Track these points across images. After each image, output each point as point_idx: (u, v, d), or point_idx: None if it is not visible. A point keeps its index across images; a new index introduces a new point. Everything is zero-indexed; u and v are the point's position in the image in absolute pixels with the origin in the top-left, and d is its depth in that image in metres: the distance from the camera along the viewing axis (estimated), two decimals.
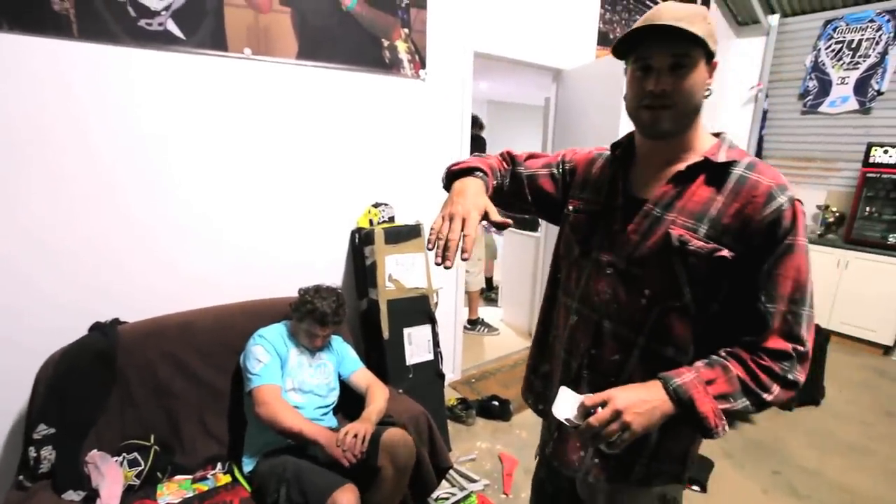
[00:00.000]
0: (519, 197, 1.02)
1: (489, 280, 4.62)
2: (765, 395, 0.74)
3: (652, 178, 0.85)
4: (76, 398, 1.48)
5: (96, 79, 1.57)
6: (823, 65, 4.07)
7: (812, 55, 4.12)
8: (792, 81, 4.28)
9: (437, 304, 2.29)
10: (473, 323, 3.71)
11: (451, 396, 2.60)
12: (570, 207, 0.96)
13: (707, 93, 0.79)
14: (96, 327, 1.62)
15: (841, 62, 3.96)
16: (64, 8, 1.48)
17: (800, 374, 0.75)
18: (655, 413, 0.72)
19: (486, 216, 0.78)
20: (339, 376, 1.76)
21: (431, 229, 0.76)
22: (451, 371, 2.88)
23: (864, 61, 3.83)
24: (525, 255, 3.61)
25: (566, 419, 0.75)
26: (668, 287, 0.80)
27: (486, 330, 3.70)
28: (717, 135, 0.85)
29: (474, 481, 2.04)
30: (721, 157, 0.79)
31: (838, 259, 3.72)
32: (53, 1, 1.46)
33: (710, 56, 0.77)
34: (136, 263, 1.74)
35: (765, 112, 4.41)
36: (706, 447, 2.34)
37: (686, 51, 0.74)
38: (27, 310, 1.56)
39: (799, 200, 0.76)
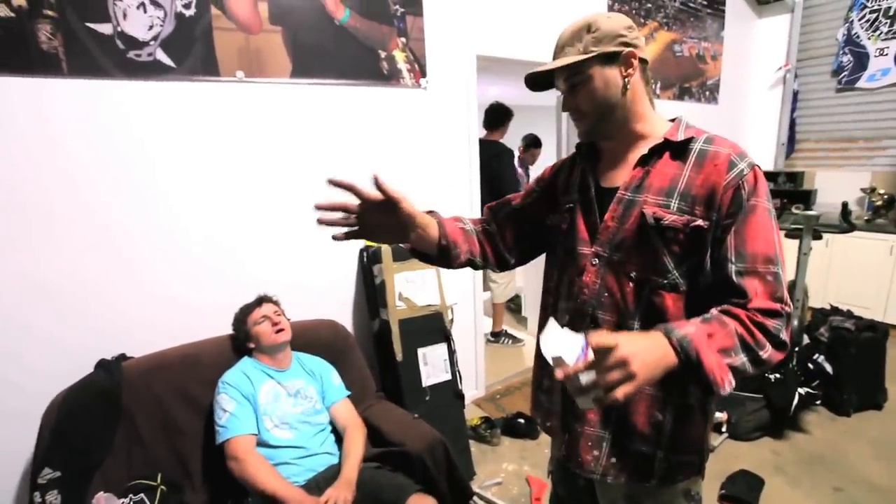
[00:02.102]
0: (523, 236, 1.07)
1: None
2: (760, 352, 0.73)
3: (618, 167, 0.90)
4: (81, 439, 1.45)
5: (88, 115, 1.55)
6: (858, 37, 3.78)
7: (844, 28, 3.84)
8: (823, 58, 4.00)
9: (452, 320, 2.19)
10: (497, 335, 3.59)
11: (474, 416, 2.48)
12: (550, 215, 1.01)
13: (627, 79, 0.83)
14: (101, 365, 1.59)
15: (878, 32, 3.67)
16: (52, 46, 1.47)
17: (786, 336, 0.75)
18: (660, 365, 0.68)
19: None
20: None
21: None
22: (475, 387, 2.76)
23: None
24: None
25: (554, 357, 0.67)
26: (652, 266, 0.82)
27: (510, 341, 3.57)
28: (673, 120, 0.90)
29: None
30: (680, 136, 0.84)
31: (891, 245, 3.41)
32: (41, 40, 1.45)
33: (609, 57, 0.82)
34: (138, 298, 1.71)
35: (795, 93, 4.14)
36: (752, 461, 2.14)
37: (573, 73, 0.84)
38: (28, 352, 1.55)
39: (758, 166, 0.80)
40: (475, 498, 1.91)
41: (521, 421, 2.43)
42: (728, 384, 0.70)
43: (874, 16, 3.68)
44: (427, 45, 2.24)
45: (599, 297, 0.87)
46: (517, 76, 4.04)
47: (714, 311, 0.76)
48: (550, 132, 3.55)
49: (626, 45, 0.82)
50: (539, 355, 1.01)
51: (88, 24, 1.51)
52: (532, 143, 4.35)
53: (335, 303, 2.16)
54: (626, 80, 0.83)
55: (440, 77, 2.32)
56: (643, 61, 0.85)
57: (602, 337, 0.65)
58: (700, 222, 0.78)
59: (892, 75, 3.64)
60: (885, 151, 3.77)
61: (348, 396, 1.72)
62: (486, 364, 2.85)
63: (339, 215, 0.84)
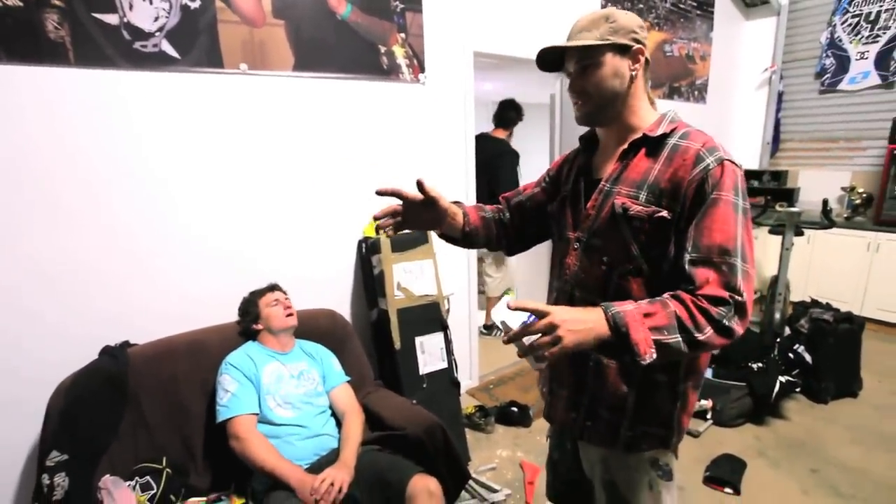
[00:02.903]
0: (529, 222, 1.17)
1: None
2: (697, 335, 0.77)
3: (607, 159, 0.97)
4: (88, 423, 1.47)
5: (93, 104, 1.57)
6: (840, 41, 3.91)
7: (827, 31, 3.96)
8: (807, 60, 4.12)
9: (448, 310, 2.25)
10: (489, 328, 3.65)
11: (468, 404, 2.55)
12: (552, 203, 1.10)
13: (633, 73, 0.89)
14: (106, 351, 1.62)
15: (859, 36, 3.80)
16: (60, 36, 1.49)
17: (736, 325, 0.78)
18: (590, 333, 0.75)
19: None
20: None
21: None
22: (469, 377, 2.83)
23: (884, 34, 3.66)
24: (539, 257, 3.54)
25: (502, 321, 0.80)
26: (621, 252, 0.89)
27: (501, 333, 3.62)
28: (665, 112, 0.95)
29: (495, 491, 1.98)
30: (659, 131, 0.89)
31: (868, 242, 3.55)
32: (49, 30, 1.47)
33: (622, 48, 0.87)
34: (142, 287, 1.74)
35: (780, 94, 4.26)
36: (735, 446, 2.24)
37: (587, 55, 0.88)
38: (36, 340, 1.57)
39: (731, 161, 0.83)
40: (471, 482, 1.98)
41: (515, 409, 2.50)
42: (649, 356, 0.75)
43: (856, 20, 3.81)
44: (426, 41, 2.28)
45: (578, 277, 0.96)
46: (512, 72, 4.07)
47: (666, 295, 0.80)
48: (543, 129, 3.61)
49: (637, 41, 0.88)
50: None
51: (95, 15, 1.52)
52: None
53: (334, 293, 2.21)
54: (633, 73, 0.89)
55: (438, 72, 2.36)
56: (647, 61, 0.91)
57: (538, 304, 0.75)
58: (664, 213, 0.84)
59: (872, 78, 3.77)
60: (864, 152, 3.90)
61: (348, 382, 1.77)
62: (480, 355, 2.92)
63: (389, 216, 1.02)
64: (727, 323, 0.77)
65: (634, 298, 0.84)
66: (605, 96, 0.90)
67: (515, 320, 0.78)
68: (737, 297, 0.78)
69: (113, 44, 1.57)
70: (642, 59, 0.89)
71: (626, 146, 0.91)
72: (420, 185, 0.98)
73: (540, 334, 0.74)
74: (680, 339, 0.77)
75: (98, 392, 1.51)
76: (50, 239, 1.56)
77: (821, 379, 2.62)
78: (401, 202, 1.00)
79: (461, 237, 1.12)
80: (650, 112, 0.94)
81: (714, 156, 0.82)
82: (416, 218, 1.03)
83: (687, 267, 0.81)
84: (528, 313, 0.77)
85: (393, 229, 1.02)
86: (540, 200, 1.15)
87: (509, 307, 0.76)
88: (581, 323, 0.75)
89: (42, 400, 1.45)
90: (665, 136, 0.89)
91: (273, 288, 1.76)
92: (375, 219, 1.01)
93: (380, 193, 0.96)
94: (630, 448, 0.96)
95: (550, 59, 0.94)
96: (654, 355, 0.75)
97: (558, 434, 1.20)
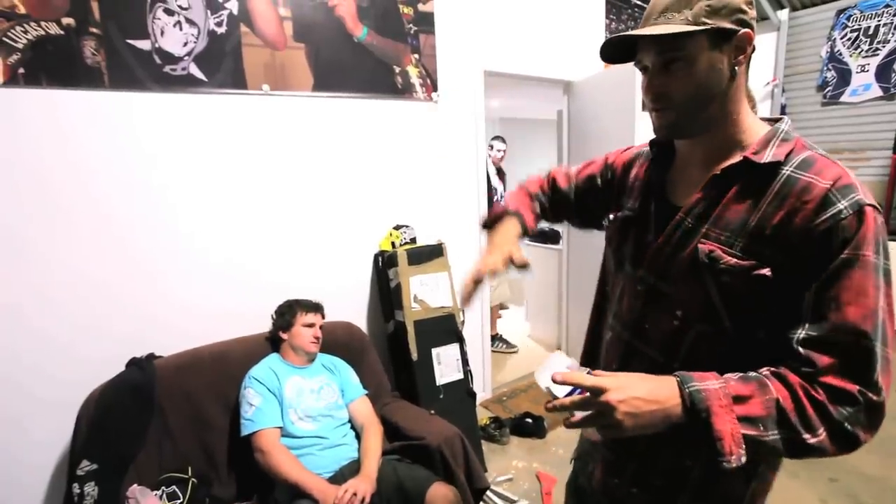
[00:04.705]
0: (568, 212, 1.02)
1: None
2: (806, 436, 0.57)
3: (689, 181, 0.73)
4: (116, 433, 1.51)
5: (126, 125, 1.65)
6: (840, 54, 3.98)
7: (827, 46, 4.04)
8: (808, 74, 4.19)
9: (463, 322, 2.28)
10: (492, 339, 3.66)
11: (483, 416, 2.56)
12: (610, 216, 0.91)
13: (735, 68, 0.65)
14: (133, 363, 1.66)
15: (859, 50, 3.87)
16: (96, 61, 1.57)
17: (862, 432, 0.58)
18: (656, 416, 0.59)
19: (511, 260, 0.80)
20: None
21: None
22: (482, 389, 2.84)
23: (884, 47, 3.74)
24: (548, 269, 3.58)
25: (546, 387, 0.66)
26: (701, 309, 0.68)
27: (503, 346, 3.62)
28: (775, 121, 0.71)
29: (513, 502, 1.99)
30: (766, 157, 0.65)
31: None
32: (86, 55, 1.55)
33: (723, 34, 0.63)
34: (165, 304, 1.79)
35: (783, 107, 4.32)
36: None
37: (674, 46, 0.64)
38: (71, 343, 1.61)
39: (873, 207, 0.59)
40: (488, 492, 1.98)
41: (529, 420, 2.50)
42: (736, 458, 0.56)
43: (855, 35, 3.89)
44: (438, 61, 2.37)
45: (639, 327, 0.77)
46: (518, 89, 4.15)
47: (765, 370, 0.62)
48: (550, 146, 3.68)
49: (744, 23, 0.64)
50: (586, 353, 1.00)
51: (129, 41, 1.61)
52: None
53: (351, 306, 2.25)
54: (734, 68, 0.65)
55: (450, 91, 2.44)
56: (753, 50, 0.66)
57: (591, 378, 0.60)
58: (765, 271, 0.62)
59: (873, 90, 3.83)
60: (868, 162, 3.94)
61: (366, 395, 1.80)
62: (493, 367, 2.94)
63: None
64: (850, 428, 0.57)
65: (716, 368, 0.63)
66: (697, 101, 0.66)
67: (560, 386, 0.63)
68: (870, 395, 0.57)
69: (145, 68, 1.65)
70: (749, 49, 0.65)
71: (717, 171, 0.68)
72: (519, 263, 0.80)
73: (590, 413, 0.60)
74: (779, 437, 0.58)
75: (126, 402, 1.55)
76: (92, 248, 1.63)
77: None
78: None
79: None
80: (754, 122, 0.70)
81: (849, 199, 0.59)
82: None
83: (801, 348, 0.60)
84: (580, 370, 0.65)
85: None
86: (590, 199, 0.98)
87: (555, 380, 0.62)
88: (645, 404, 0.58)
89: (60, 415, 1.50)
90: (777, 165, 0.64)
91: (317, 309, 1.78)
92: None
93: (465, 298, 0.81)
94: None
95: (620, 49, 0.71)
96: (743, 458, 0.56)
97: (586, 457, 0.97)
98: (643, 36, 0.64)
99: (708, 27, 0.62)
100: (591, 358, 0.98)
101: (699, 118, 0.68)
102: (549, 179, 1.03)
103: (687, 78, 0.65)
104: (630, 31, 0.66)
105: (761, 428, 0.58)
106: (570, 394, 0.64)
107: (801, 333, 0.60)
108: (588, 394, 0.60)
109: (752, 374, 0.61)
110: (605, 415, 0.58)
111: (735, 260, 0.64)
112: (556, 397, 0.63)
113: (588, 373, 0.63)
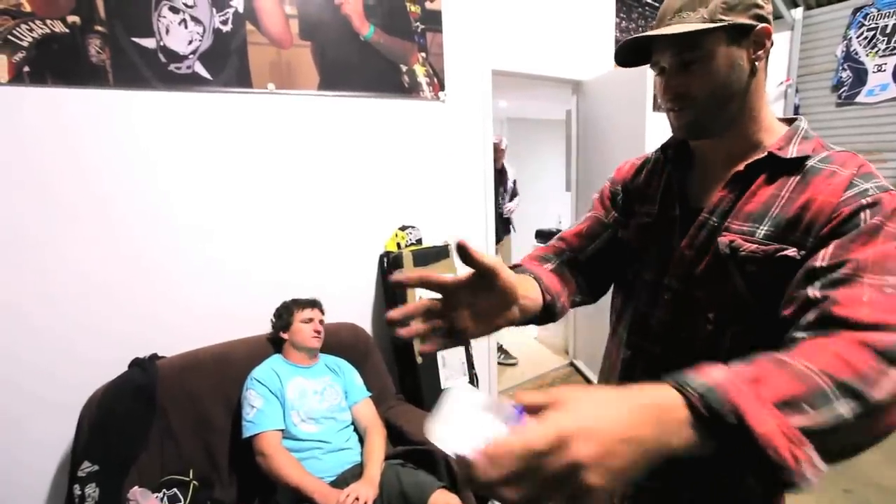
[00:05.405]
0: (611, 268, 0.84)
1: None
2: (872, 391, 0.41)
3: (711, 181, 0.70)
4: (118, 434, 1.50)
5: (130, 124, 1.63)
6: (856, 54, 3.90)
7: (843, 45, 3.96)
8: (823, 74, 4.11)
9: None
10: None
11: None
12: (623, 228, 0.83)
13: (755, 63, 0.64)
14: (136, 363, 1.65)
15: (875, 49, 3.79)
16: (101, 59, 1.56)
17: None
18: (649, 448, 0.37)
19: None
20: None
21: None
22: (487, 394, 2.81)
23: None
24: None
25: (455, 453, 0.37)
26: (731, 307, 0.64)
27: (503, 356, 3.50)
28: (790, 121, 0.69)
29: None
30: (791, 152, 0.63)
31: None
32: (91, 54, 1.54)
33: (741, 30, 0.62)
34: (168, 304, 1.77)
35: (796, 107, 4.24)
36: None
37: (691, 45, 0.63)
38: (72, 343, 1.60)
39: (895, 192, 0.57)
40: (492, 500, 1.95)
41: None
42: (808, 465, 0.38)
43: (871, 33, 3.80)
44: (446, 59, 2.34)
45: (673, 337, 0.71)
46: (526, 90, 4.12)
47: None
48: (559, 147, 3.64)
49: (761, 18, 0.63)
50: (602, 381, 0.88)
51: (134, 39, 1.60)
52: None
53: (356, 307, 2.22)
54: (755, 64, 0.64)
55: (457, 90, 2.41)
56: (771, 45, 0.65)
57: (533, 430, 0.35)
58: (790, 251, 0.58)
59: (890, 90, 3.74)
60: (885, 164, 3.85)
61: (369, 397, 1.77)
62: (499, 371, 2.90)
63: (420, 324, 0.58)
64: None
65: None
66: (717, 99, 0.65)
67: (470, 437, 0.37)
68: None
69: (150, 66, 1.64)
70: (768, 44, 0.64)
71: (741, 168, 0.66)
72: (463, 250, 0.52)
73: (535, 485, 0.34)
74: (841, 411, 0.41)
75: (128, 403, 1.54)
76: (99, 248, 1.61)
77: None
78: (437, 293, 0.58)
79: (541, 313, 0.69)
80: (773, 120, 0.69)
81: (874, 182, 0.58)
82: (467, 314, 0.58)
83: (816, 291, 0.52)
84: (504, 417, 0.38)
85: (441, 343, 0.58)
86: (616, 240, 0.83)
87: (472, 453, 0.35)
88: (629, 445, 0.36)
89: (61, 417, 1.49)
90: (801, 160, 0.63)
91: (314, 304, 1.78)
92: (397, 324, 0.56)
93: (395, 284, 0.56)
94: None
95: (636, 51, 0.70)
96: (817, 462, 0.39)
97: None
98: (660, 36, 0.63)
99: (725, 23, 0.61)
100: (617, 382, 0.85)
101: (720, 116, 0.66)
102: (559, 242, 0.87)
103: (707, 76, 0.64)
104: (646, 33, 0.65)
105: (807, 408, 0.40)
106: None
107: (818, 284, 0.52)
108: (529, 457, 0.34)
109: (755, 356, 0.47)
110: (567, 482, 0.34)
111: (756, 245, 0.61)
112: (467, 463, 0.35)
113: (513, 414, 0.38)
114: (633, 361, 0.77)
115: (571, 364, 3.41)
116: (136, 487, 1.48)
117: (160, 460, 1.57)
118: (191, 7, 1.68)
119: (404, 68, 2.21)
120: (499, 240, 3.31)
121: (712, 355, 0.59)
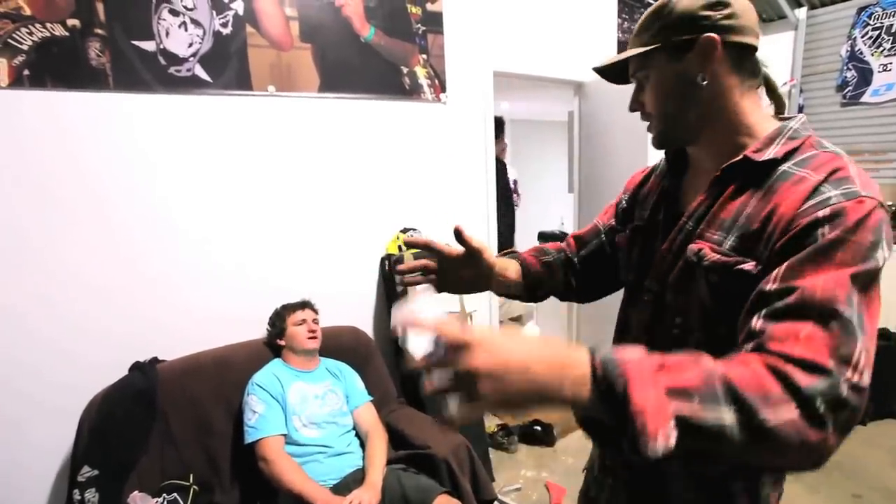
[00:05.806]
0: (608, 270, 0.90)
1: None
2: (763, 413, 0.43)
3: (698, 186, 0.71)
4: (118, 439, 1.49)
5: (130, 127, 1.63)
6: (861, 53, 3.87)
7: (847, 45, 3.93)
8: (827, 74, 4.08)
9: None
10: None
11: (490, 423, 2.51)
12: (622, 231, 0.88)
13: (702, 73, 0.64)
14: (136, 367, 1.64)
15: (881, 49, 3.76)
16: (101, 63, 1.56)
17: (831, 424, 0.45)
18: (541, 388, 0.44)
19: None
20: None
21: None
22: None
23: None
24: None
25: (401, 339, 0.50)
26: (697, 315, 0.65)
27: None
28: (789, 119, 0.67)
29: None
30: (768, 154, 0.62)
31: None
32: (91, 57, 1.54)
33: (679, 47, 0.64)
34: (175, 303, 1.77)
35: (800, 107, 4.21)
36: None
37: (639, 66, 0.70)
38: (72, 347, 1.60)
39: (874, 199, 0.54)
40: (496, 503, 1.93)
41: (538, 428, 2.45)
42: (662, 439, 0.42)
43: (876, 33, 3.77)
44: (447, 61, 2.33)
45: (644, 338, 0.73)
46: (528, 91, 4.11)
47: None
48: (561, 148, 3.63)
49: (703, 28, 0.63)
50: None
51: (134, 42, 1.60)
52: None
53: (357, 310, 2.21)
54: (702, 74, 0.64)
55: (459, 92, 2.40)
56: (740, 46, 0.64)
57: (454, 328, 0.44)
58: (748, 266, 0.58)
59: (895, 90, 3.71)
60: (891, 164, 3.82)
61: (371, 401, 1.76)
62: None
63: (419, 275, 0.82)
64: (820, 408, 0.44)
65: None
66: (673, 111, 0.69)
67: (420, 341, 0.48)
68: (847, 373, 0.46)
69: (149, 69, 1.63)
70: (717, 52, 0.63)
71: (718, 172, 0.66)
72: (459, 234, 0.78)
73: (450, 377, 0.45)
74: (727, 416, 0.44)
75: (128, 407, 1.53)
76: (98, 252, 1.61)
77: None
78: (435, 256, 0.81)
79: (523, 290, 0.89)
80: (762, 121, 0.67)
81: (842, 189, 0.54)
82: (454, 277, 0.82)
83: (760, 322, 0.51)
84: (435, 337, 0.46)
85: (425, 280, 0.82)
86: (604, 248, 0.91)
87: (405, 326, 0.49)
88: (525, 371, 0.43)
89: (55, 420, 1.49)
90: (776, 163, 0.61)
91: (304, 305, 1.76)
92: (400, 273, 0.82)
93: (408, 245, 0.82)
94: None
95: (619, 72, 0.76)
96: (672, 441, 0.43)
97: (601, 470, 0.90)
98: (613, 62, 0.72)
99: (657, 45, 0.66)
100: None
101: (680, 126, 0.70)
102: (570, 241, 0.97)
103: (654, 92, 0.69)
104: (603, 61, 0.74)
105: (695, 401, 0.44)
106: (432, 352, 0.45)
107: (764, 311, 0.51)
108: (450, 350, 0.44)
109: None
110: (465, 382, 0.43)
111: (718, 256, 0.62)
112: (409, 353, 0.46)
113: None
114: None
115: None
116: (136, 492, 1.47)
117: (160, 464, 1.56)
118: (191, 10, 1.68)
119: (405, 70, 2.21)
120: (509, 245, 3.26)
121: None
